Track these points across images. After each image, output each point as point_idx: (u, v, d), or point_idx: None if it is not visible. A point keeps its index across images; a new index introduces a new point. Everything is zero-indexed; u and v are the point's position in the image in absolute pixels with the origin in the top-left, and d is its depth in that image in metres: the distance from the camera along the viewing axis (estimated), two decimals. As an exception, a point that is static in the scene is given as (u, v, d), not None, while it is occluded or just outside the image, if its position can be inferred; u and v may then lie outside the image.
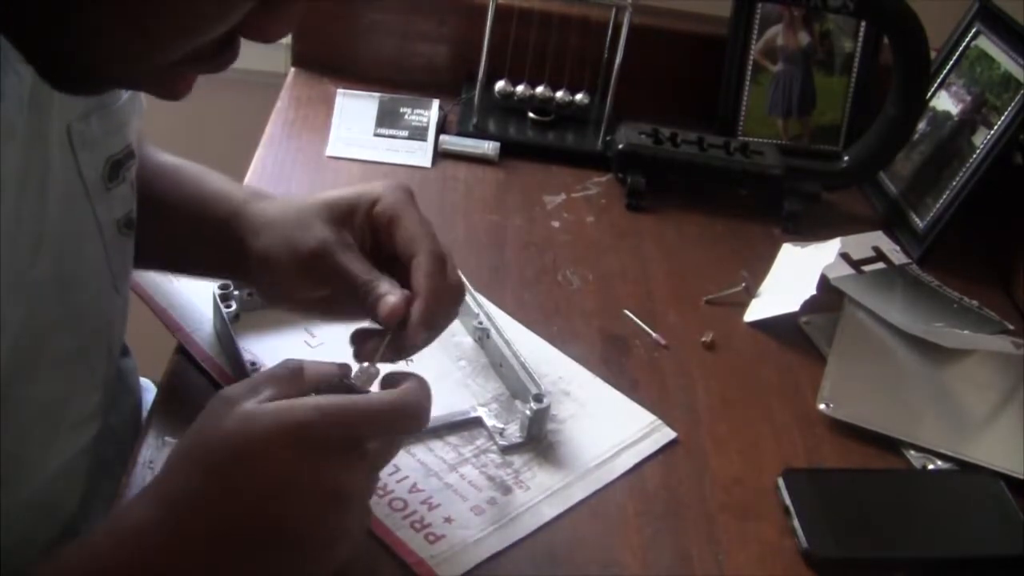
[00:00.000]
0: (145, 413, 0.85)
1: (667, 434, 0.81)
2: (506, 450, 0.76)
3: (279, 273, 0.68)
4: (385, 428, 0.58)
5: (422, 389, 0.60)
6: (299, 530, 0.54)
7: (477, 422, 0.78)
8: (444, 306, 0.65)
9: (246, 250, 0.69)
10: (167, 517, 0.52)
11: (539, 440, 0.78)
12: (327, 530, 0.54)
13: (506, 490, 0.73)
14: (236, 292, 0.81)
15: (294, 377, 0.58)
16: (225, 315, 0.79)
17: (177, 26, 0.45)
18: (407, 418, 0.58)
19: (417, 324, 0.62)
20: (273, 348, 0.81)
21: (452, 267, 0.67)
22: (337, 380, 0.61)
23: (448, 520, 0.70)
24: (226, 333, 0.79)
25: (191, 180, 0.76)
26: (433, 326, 0.65)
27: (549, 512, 0.73)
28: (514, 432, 0.77)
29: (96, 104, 0.62)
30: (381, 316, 0.62)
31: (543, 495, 0.74)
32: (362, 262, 0.65)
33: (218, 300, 0.80)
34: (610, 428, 0.80)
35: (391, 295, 0.62)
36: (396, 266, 0.66)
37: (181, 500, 0.53)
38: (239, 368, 0.77)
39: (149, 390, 0.89)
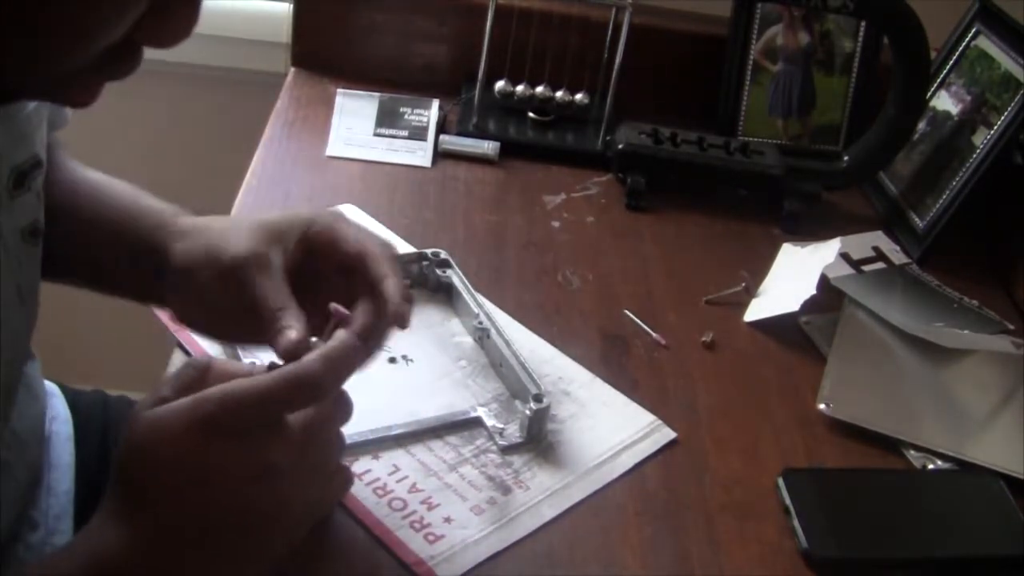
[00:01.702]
0: (48, 416, 0.84)
1: (667, 434, 0.81)
2: (506, 450, 0.76)
3: (197, 282, 0.67)
4: (289, 402, 0.58)
5: (329, 355, 0.58)
6: (242, 516, 0.56)
7: (477, 422, 0.78)
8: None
9: (168, 259, 0.69)
10: (122, 535, 0.55)
11: (539, 440, 0.78)
12: (271, 507, 0.56)
13: (506, 490, 0.73)
14: None
15: (200, 376, 0.58)
16: None
17: (72, 32, 0.46)
18: (309, 388, 0.58)
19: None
20: None
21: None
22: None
23: (448, 520, 0.70)
24: None
25: (121, 194, 0.76)
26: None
27: (549, 512, 0.73)
28: (514, 432, 0.77)
29: None
30: (279, 349, 0.61)
31: (543, 495, 0.74)
32: (278, 287, 0.64)
33: None
34: (610, 428, 0.80)
35: (293, 330, 0.61)
36: (337, 284, 0.66)
37: (128, 518, 0.55)
38: None
39: (55, 394, 0.88)
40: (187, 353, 0.80)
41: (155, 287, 0.71)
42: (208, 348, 0.80)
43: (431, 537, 0.69)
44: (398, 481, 0.72)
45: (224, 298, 0.66)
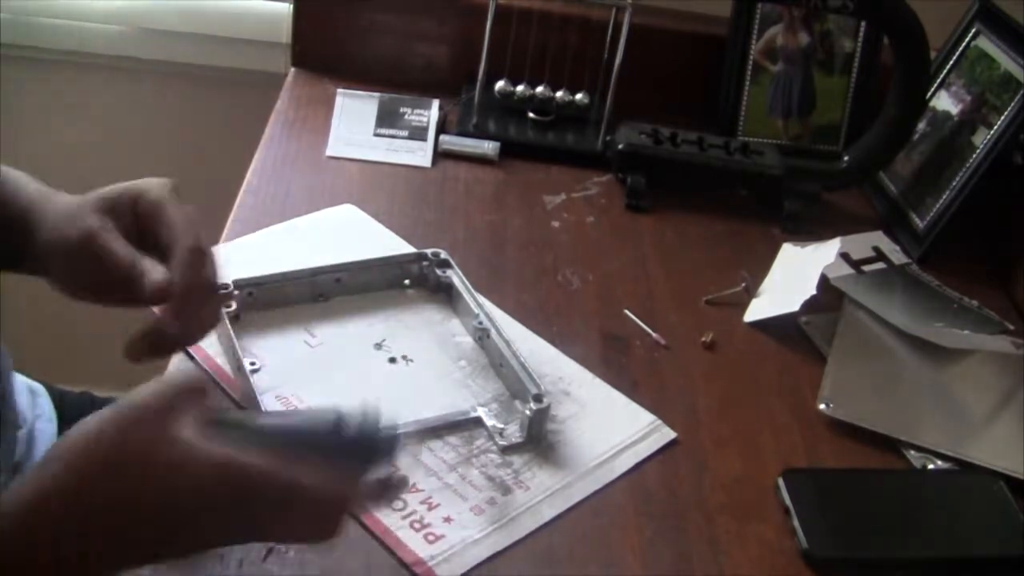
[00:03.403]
0: (33, 415, 0.84)
1: (667, 434, 0.81)
2: (506, 450, 0.76)
3: (58, 262, 0.69)
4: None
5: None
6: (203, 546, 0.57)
7: (477, 422, 0.78)
8: (199, 301, 0.67)
9: (35, 244, 0.71)
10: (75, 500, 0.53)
11: (539, 440, 0.78)
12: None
13: (506, 490, 0.73)
14: (236, 292, 0.81)
15: (201, 393, 0.57)
16: (225, 315, 0.79)
17: None
18: None
19: (170, 314, 0.65)
20: (272, 348, 0.81)
21: (212, 263, 0.69)
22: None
23: (447, 520, 0.70)
24: (225, 333, 0.79)
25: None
26: (187, 317, 0.67)
27: (549, 512, 0.73)
28: (514, 432, 0.77)
29: None
30: (147, 295, 0.65)
31: (543, 495, 0.74)
32: (125, 247, 0.67)
33: None
34: (610, 428, 0.80)
35: (154, 273, 0.65)
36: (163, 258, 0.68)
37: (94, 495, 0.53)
38: (239, 369, 0.77)
39: (40, 394, 0.88)
40: (189, 356, 0.79)
41: (27, 265, 0.73)
42: (208, 348, 0.80)
43: (431, 537, 0.69)
44: None
45: (81, 270, 0.68)
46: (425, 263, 0.91)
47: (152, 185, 0.70)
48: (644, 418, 0.82)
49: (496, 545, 0.69)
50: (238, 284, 0.82)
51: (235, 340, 0.78)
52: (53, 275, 0.71)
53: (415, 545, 0.68)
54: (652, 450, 0.80)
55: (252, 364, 0.78)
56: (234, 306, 0.80)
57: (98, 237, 0.67)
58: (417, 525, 0.69)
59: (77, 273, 0.69)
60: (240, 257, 0.89)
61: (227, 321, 0.79)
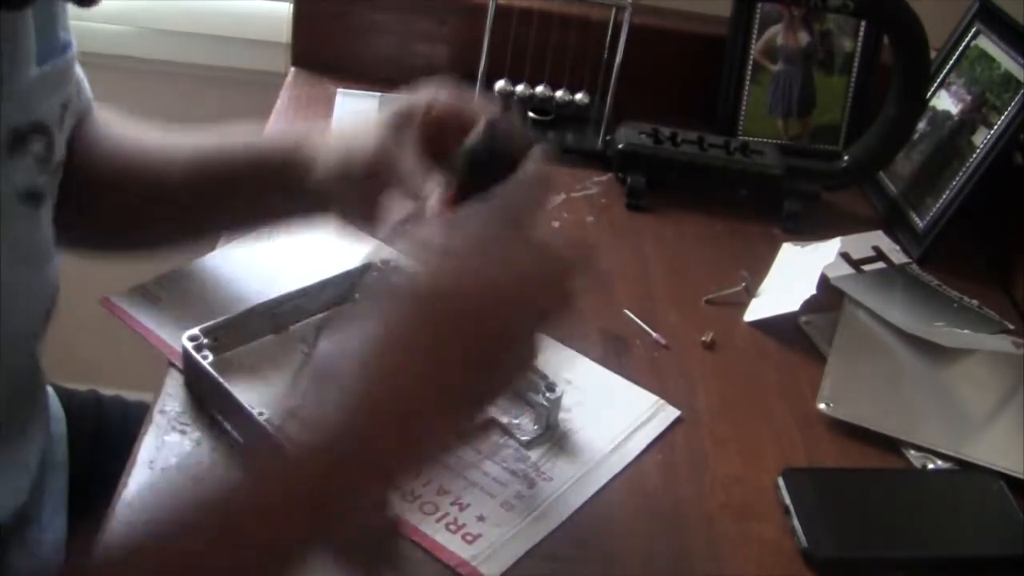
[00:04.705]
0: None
1: (671, 413, 0.82)
2: (529, 445, 0.77)
3: (344, 189, 0.74)
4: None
5: None
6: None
7: (491, 421, 0.78)
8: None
9: (308, 178, 0.76)
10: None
11: (554, 430, 0.78)
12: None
13: (530, 483, 0.74)
14: (206, 340, 0.75)
15: None
16: (208, 366, 0.73)
17: None
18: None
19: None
20: (260, 390, 0.75)
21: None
22: None
23: (481, 519, 0.70)
24: (212, 383, 0.72)
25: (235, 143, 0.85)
26: None
27: (576, 500, 0.73)
28: (529, 425, 0.78)
29: None
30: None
31: (567, 484, 0.74)
32: (416, 162, 0.71)
33: (192, 352, 0.73)
34: (616, 412, 0.81)
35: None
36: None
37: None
38: (244, 424, 0.70)
39: (48, 394, 0.88)
40: (180, 371, 0.77)
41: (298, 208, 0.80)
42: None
43: (468, 537, 0.69)
44: (424, 484, 0.72)
45: (371, 192, 0.72)
46: (375, 274, 0.84)
47: (436, 94, 0.77)
48: (647, 399, 0.83)
49: (533, 538, 0.70)
50: (205, 332, 0.75)
51: (232, 393, 0.71)
52: (335, 205, 0.76)
53: (455, 547, 0.68)
54: (660, 430, 0.80)
55: (260, 414, 0.70)
56: (210, 356, 0.74)
57: (391, 152, 0.72)
58: (453, 527, 0.69)
59: (366, 196, 0.72)
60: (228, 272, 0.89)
61: (213, 372, 0.73)
